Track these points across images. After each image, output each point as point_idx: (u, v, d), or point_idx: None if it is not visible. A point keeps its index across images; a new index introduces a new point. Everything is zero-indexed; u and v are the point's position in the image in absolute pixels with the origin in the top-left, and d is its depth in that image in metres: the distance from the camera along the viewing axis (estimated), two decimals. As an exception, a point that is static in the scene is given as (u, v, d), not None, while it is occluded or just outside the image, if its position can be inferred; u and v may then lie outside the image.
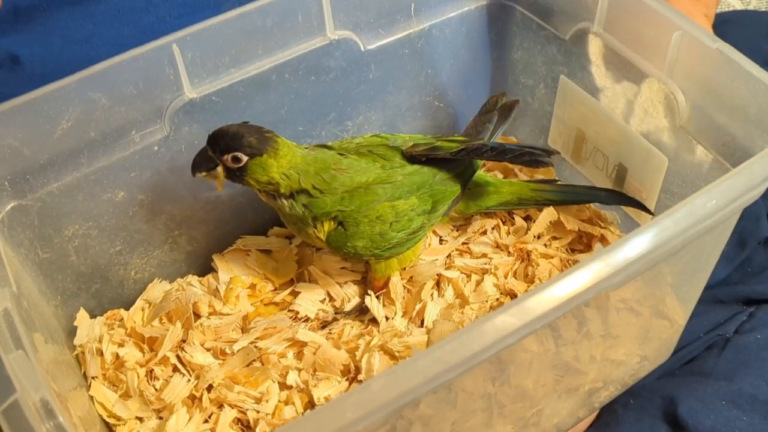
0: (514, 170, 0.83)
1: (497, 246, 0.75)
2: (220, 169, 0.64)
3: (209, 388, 0.66)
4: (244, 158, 0.62)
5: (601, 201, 0.75)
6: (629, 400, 0.74)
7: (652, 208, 0.71)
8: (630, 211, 0.74)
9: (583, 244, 0.75)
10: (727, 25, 1.00)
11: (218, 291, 0.73)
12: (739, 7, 1.09)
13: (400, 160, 0.69)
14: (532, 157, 0.63)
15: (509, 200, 0.74)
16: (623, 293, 0.61)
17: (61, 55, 0.76)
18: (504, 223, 0.77)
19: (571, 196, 0.74)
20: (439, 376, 0.42)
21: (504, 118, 0.75)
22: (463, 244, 0.75)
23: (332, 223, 0.67)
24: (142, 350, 0.70)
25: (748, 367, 0.73)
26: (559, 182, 0.80)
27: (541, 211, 0.75)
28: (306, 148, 0.67)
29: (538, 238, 0.75)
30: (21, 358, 0.46)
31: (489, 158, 0.65)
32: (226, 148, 0.62)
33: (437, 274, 0.73)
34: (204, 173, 0.64)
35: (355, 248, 0.67)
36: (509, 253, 0.75)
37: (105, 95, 0.62)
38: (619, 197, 0.73)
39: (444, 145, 0.68)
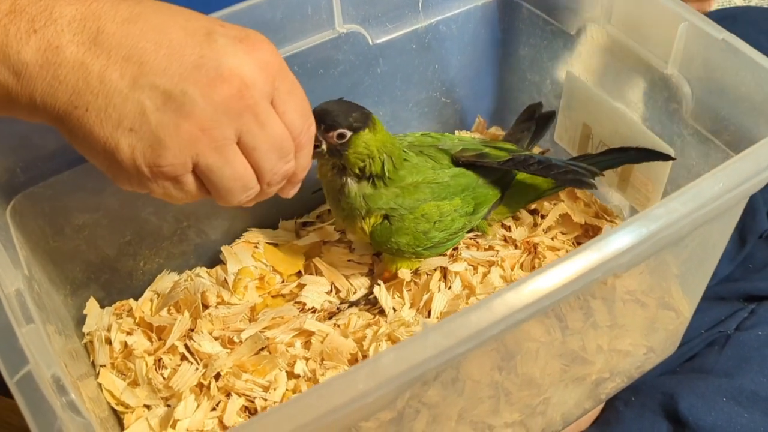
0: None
1: (504, 239, 0.76)
2: (324, 146, 0.63)
3: (217, 376, 0.67)
4: (349, 133, 0.62)
5: (631, 160, 0.72)
6: (630, 397, 0.74)
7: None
8: (636, 203, 0.75)
9: (589, 237, 0.76)
10: (728, 21, 1.00)
11: (227, 282, 0.73)
12: (740, 3, 1.09)
13: (448, 162, 0.70)
14: (576, 176, 0.64)
15: (546, 188, 0.74)
16: (629, 284, 0.61)
17: None
18: (513, 217, 0.77)
19: (601, 165, 0.71)
20: (448, 350, 0.42)
21: (541, 130, 0.76)
22: (471, 238, 0.76)
23: (379, 217, 0.67)
24: (150, 339, 0.70)
25: (749, 363, 0.73)
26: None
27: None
28: None
29: (546, 231, 0.75)
30: (34, 332, 0.46)
31: (534, 172, 0.66)
32: (334, 124, 0.62)
33: (444, 266, 0.73)
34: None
35: (398, 244, 0.68)
36: (516, 246, 0.75)
37: (116, 84, 0.62)
38: (646, 153, 0.70)
39: (492, 153, 0.69)
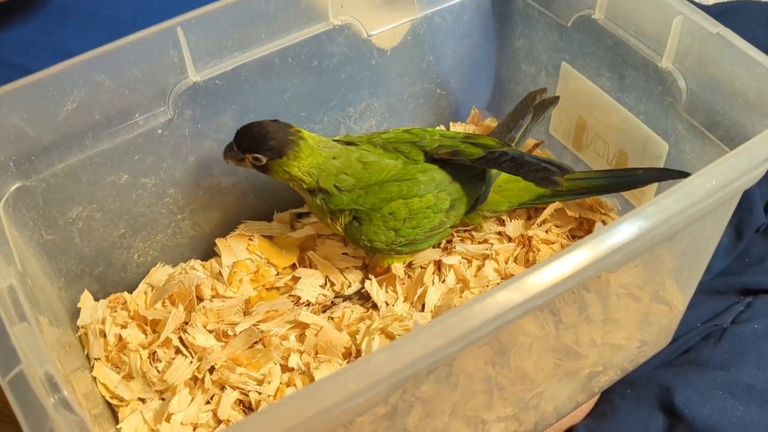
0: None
1: (499, 233, 0.76)
2: (246, 161, 0.66)
3: (211, 369, 0.67)
4: (264, 159, 0.65)
5: (639, 181, 0.70)
6: (626, 390, 0.74)
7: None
8: (630, 197, 0.75)
9: (584, 231, 0.76)
10: (726, 16, 1.00)
11: (221, 275, 0.73)
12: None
13: (422, 159, 0.69)
14: (545, 174, 0.62)
15: (543, 193, 0.73)
16: (623, 278, 0.61)
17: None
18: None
19: (606, 182, 0.71)
20: (440, 349, 0.43)
21: (538, 116, 0.74)
22: (465, 230, 0.76)
23: (348, 217, 0.67)
24: (144, 332, 0.70)
25: (745, 356, 0.73)
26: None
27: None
28: (335, 140, 0.68)
29: (541, 225, 0.75)
30: (26, 331, 0.46)
31: (506, 170, 0.65)
32: (248, 148, 0.65)
33: (437, 259, 0.73)
34: (234, 162, 0.67)
35: (372, 242, 0.68)
36: (510, 239, 0.75)
37: (109, 78, 0.62)
38: (657, 173, 0.69)
39: (466, 150, 0.67)
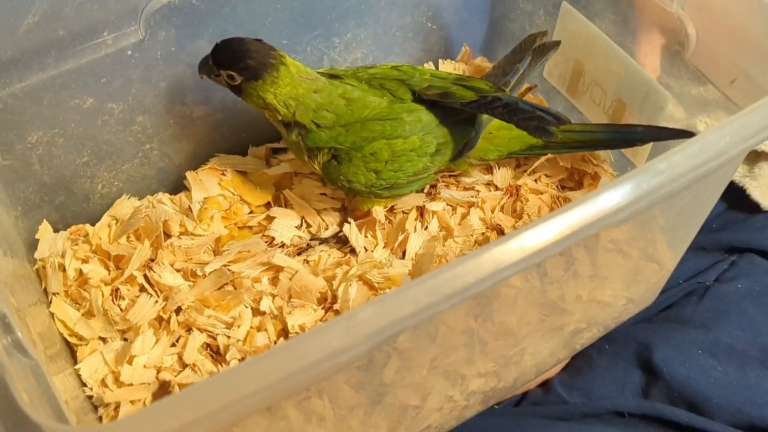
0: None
1: (487, 184, 0.72)
2: (221, 78, 0.62)
3: (178, 310, 0.63)
4: (239, 78, 0.60)
5: (637, 138, 0.66)
6: (604, 345, 0.72)
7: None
8: (625, 150, 0.71)
9: (574, 182, 0.73)
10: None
11: (191, 210, 0.69)
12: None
13: (410, 98, 0.65)
14: (540, 123, 0.58)
15: (534, 144, 0.69)
16: (613, 233, 0.58)
17: None
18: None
19: (602, 136, 0.68)
20: (430, 307, 0.39)
21: (536, 61, 0.70)
22: (451, 175, 0.72)
23: (327, 155, 0.64)
24: (107, 268, 0.66)
25: (727, 316, 0.72)
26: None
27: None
28: (319, 72, 0.64)
29: (530, 174, 0.72)
30: (-25, 268, 0.42)
31: (498, 116, 0.61)
32: (223, 63, 0.60)
33: (421, 205, 0.70)
34: (207, 77, 0.63)
35: (350, 183, 0.64)
36: (497, 187, 0.72)
37: (76, -10, 0.57)
38: (657, 132, 0.65)
39: (458, 93, 0.63)
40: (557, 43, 0.71)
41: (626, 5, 0.65)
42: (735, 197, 0.81)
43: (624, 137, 0.67)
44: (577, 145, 0.68)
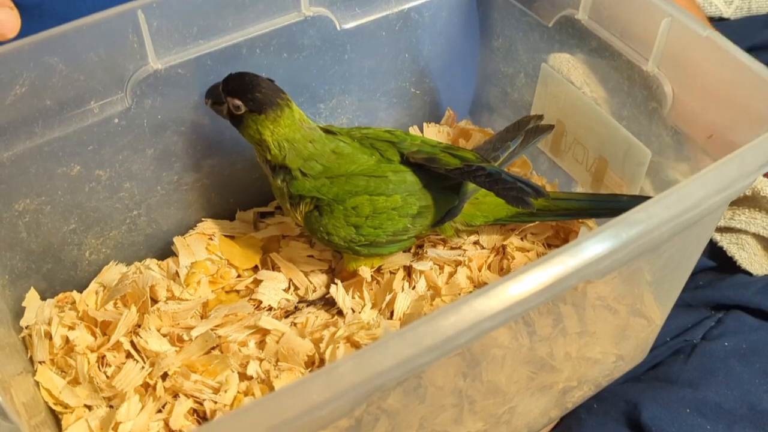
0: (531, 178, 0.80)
1: (474, 243, 0.72)
2: (224, 107, 0.63)
3: (164, 376, 0.63)
4: (243, 108, 0.62)
5: (622, 208, 0.67)
6: (593, 404, 0.72)
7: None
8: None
9: (560, 239, 0.73)
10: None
11: (178, 275, 0.69)
12: (722, 8, 1.07)
13: (398, 160, 0.66)
14: (519, 194, 0.59)
15: (520, 211, 0.69)
16: (600, 290, 0.58)
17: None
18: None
19: (590, 204, 0.68)
20: (410, 360, 0.39)
21: (528, 141, 0.71)
22: (436, 235, 0.72)
23: (310, 205, 0.64)
24: (94, 334, 0.66)
25: (715, 374, 0.71)
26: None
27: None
28: (318, 126, 0.66)
29: (513, 228, 0.72)
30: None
31: (480, 184, 0.61)
32: (232, 91, 0.62)
33: (408, 264, 0.70)
34: (211, 103, 0.64)
35: (330, 236, 0.64)
36: (483, 246, 0.72)
37: (63, 61, 0.58)
38: (642, 201, 0.66)
39: (444, 159, 0.64)
40: (551, 127, 0.73)
41: (604, 65, 0.67)
42: (721, 258, 0.82)
43: (609, 206, 0.67)
44: (563, 213, 0.69)
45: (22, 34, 0.56)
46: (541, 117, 0.73)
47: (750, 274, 0.80)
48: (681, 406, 0.69)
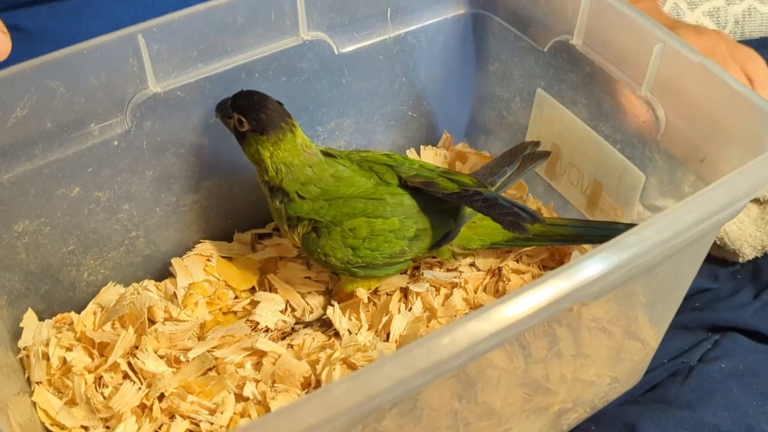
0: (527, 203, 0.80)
1: (470, 264, 0.73)
2: (231, 122, 0.64)
3: (161, 397, 0.63)
4: (246, 127, 0.63)
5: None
6: (590, 427, 0.72)
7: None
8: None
9: (555, 261, 0.74)
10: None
11: (175, 297, 0.70)
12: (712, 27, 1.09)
13: (396, 183, 0.67)
14: (515, 219, 0.60)
15: (517, 236, 0.68)
16: (595, 312, 0.59)
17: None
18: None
19: (586, 231, 0.69)
20: (405, 381, 0.40)
21: (525, 167, 0.72)
22: (433, 258, 0.73)
23: (308, 227, 0.65)
24: (91, 355, 0.66)
25: (712, 396, 0.71)
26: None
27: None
28: (320, 149, 0.67)
29: (509, 251, 0.73)
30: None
31: (477, 208, 0.62)
32: (239, 108, 0.63)
33: (404, 286, 0.70)
34: (220, 116, 0.65)
35: (327, 257, 0.65)
36: (479, 268, 0.72)
37: (64, 84, 0.59)
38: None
39: (441, 183, 0.65)
40: (547, 153, 0.74)
41: (598, 90, 0.68)
42: (718, 280, 0.82)
43: (605, 233, 0.68)
44: (559, 239, 0.70)
45: (24, 58, 0.57)
46: (537, 143, 0.74)
47: (737, 261, 0.80)
48: (679, 428, 0.69)
